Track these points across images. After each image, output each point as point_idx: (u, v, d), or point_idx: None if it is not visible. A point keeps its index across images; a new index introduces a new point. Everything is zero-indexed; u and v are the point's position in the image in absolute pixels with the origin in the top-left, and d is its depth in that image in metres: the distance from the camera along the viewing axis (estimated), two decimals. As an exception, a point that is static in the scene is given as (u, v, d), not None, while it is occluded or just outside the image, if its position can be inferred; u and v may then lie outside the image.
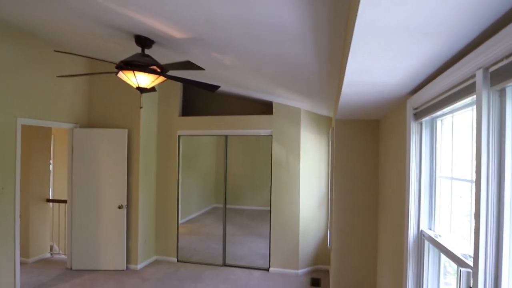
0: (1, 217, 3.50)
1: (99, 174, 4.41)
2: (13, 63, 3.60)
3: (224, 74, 3.50)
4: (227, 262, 4.68)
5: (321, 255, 4.49)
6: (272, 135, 4.50)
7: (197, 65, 2.44)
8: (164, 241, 4.89)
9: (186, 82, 2.90)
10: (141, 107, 4.40)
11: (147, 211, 4.71)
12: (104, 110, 4.63)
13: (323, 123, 4.59)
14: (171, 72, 2.99)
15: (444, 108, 1.34)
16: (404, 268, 1.77)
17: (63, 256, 4.93)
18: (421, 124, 1.74)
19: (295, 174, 4.38)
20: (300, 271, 4.33)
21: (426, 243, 1.64)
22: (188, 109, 5.23)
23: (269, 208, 4.52)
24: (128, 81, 2.57)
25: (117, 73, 2.56)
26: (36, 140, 4.85)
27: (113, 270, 4.40)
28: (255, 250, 5.07)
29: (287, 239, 4.37)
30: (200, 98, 5.46)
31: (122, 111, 4.56)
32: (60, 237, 5.16)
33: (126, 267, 4.46)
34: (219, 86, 3.06)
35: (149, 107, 4.70)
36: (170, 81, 4.86)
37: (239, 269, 4.53)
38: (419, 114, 1.69)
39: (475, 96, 1.02)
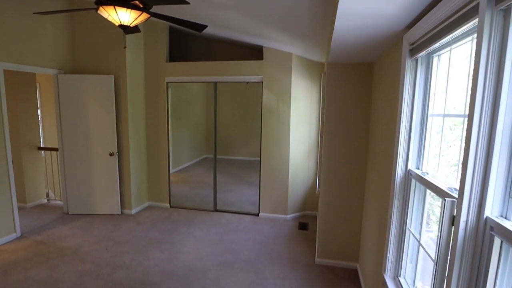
0: (-10, 163, 3.49)
1: (89, 121, 4.32)
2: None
3: (213, 14, 3.28)
4: (218, 208, 4.85)
5: (309, 201, 4.66)
6: (262, 82, 4.39)
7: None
8: (157, 188, 4.99)
9: (171, 21, 2.71)
10: (124, 47, 4.19)
11: (138, 159, 4.73)
12: (89, 55, 4.40)
13: (315, 69, 4.47)
14: (155, 9, 2.79)
15: (442, 39, 1.27)
16: (390, 207, 1.83)
17: (59, 202, 5.03)
18: (416, 61, 1.69)
19: (285, 122, 4.36)
20: (289, 216, 4.53)
21: (413, 181, 1.68)
22: (176, 55, 5.00)
23: (259, 159, 4.57)
24: (110, 18, 2.38)
25: (97, 9, 2.36)
26: (21, 88, 4.65)
27: (109, 215, 4.53)
28: (245, 197, 5.23)
29: (276, 186, 4.49)
30: (188, 44, 5.20)
31: (108, 56, 4.34)
32: (55, 184, 5.22)
33: (121, 212, 4.59)
34: (206, 26, 2.87)
35: (134, 52, 4.47)
36: (156, 25, 4.59)
37: (230, 214, 4.71)
38: (415, 49, 1.63)
39: (477, 20, 0.96)
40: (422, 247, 1.58)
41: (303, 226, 4.24)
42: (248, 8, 2.86)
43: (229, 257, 3.39)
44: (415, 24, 1.59)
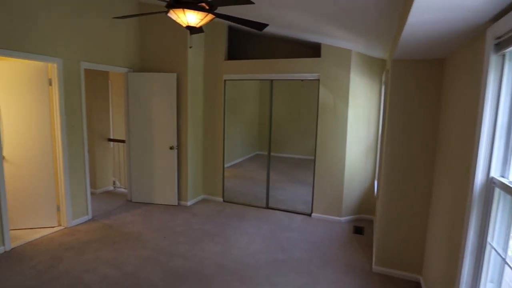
0: (74, 151, 3.95)
1: (152, 116, 4.64)
2: (76, 9, 3.76)
3: (274, 13, 3.29)
4: (270, 205, 4.87)
5: (366, 204, 4.46)
6: (319, 79, 4.30)
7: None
8: (211, 182, 5.17)
9: (234, 21, 2.77)
10: (190, 47, 4.45)
11: (195, 153, 4.95)
12: (155, 55, 4.72)
13: (375, 66, 4.25)
14: (219, 10, 2.87)
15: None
16: (466, 217, 1.67)
17: (123, 190, 5.48)
18: (503, 56, 1.50)
19: (342, 120, 4.22)
20: (343, 218, 4.38)
21: (497, 190, 1.51)
22: (234, 53, 5.11)
23: (312, 158, 4.48)
24: (178, 20, 2.52)
25: (167, 12, 2.51)
26: (96, 84, 5.17)
27: (166, 205, 4.82)
28: (297, 196, 5.18)
29: (331, 187, 4.38)
30: (245, 42, 5.28)
31: (171, 55, 4.61)
32: (121, 173, 5.70)
33: (178, 203, 4.86)
34: (267, 24, 2.89)
35: (195, 51, 4.68)
36: (216, 25, 4.74)
37: (282, 212, 4.71)
38: (503, 44, 1.45)
39: None
40: (508, 265, 1.41)
41: (358, 230, 4.08)
42: (311, 5, 2.81)
43: (280, 255, 3.39)
44: (502, 16, 1.42)
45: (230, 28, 4.89)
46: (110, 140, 5.50)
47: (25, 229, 3.80)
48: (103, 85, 5.37)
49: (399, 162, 2.91)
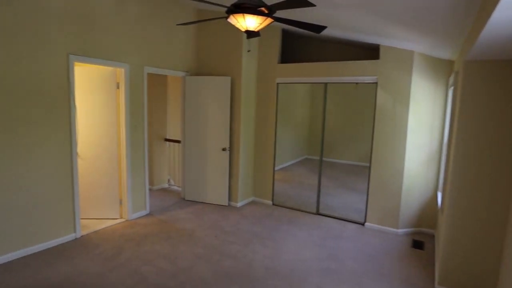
0: (136, 150, 4.24)
1: (207, 118, 4.81)
2: (141, 18, 4.06)
3: (331, 14, 3.20)
4: (321, 211, 4.75)
5: (426, 217, 4.13)
6: (377, 82, 4.09)
7: (306, 1, 2.25)
8: (261, 184, 5.20)
9: (292, 24, 2.75)
10: (248, 51, 4.56)
11: (246, 155, 5.02)
12: (210, 59, 4.89)
13: (441, 67, 3.93)
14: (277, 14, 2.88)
15: None
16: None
17: (177, 188, 5.75)
18: None
19: (401, 126, 3.97)
20: (400, 230, 4.11)
21: None
22: (286, 56, 5.10)
23: (365, 164, 4.28)
24: (237, 25, 2.57)
25: (227, 17, 2.57)
26: (155, 87, 5.51)
27: (217, 205, 4.95)
28: (349, 203, 4.98)
29: (387, 196, 4.13)
30: (298, 45, 5.24)
31: (226, 59, 4.75)
32: (175, 172, 5.99)
33: (228, 203, 4.96)
34: (325, 27, 2.82)
35: (249, 54, 4.75)
36: (270, 28, 4.76)
37: (333, 219, 4.56)
38: None
39: None
40: None
41: (417, 245, 3.79)
42: (374, 5, 2.69)
43: (332, 264, 3.28)
44: None
45: (284, 31, 4.89)
46: (166, 140, 5.81)
47: (92, 219, 4.16)
48: (161, 88, 5.70)
49: (470, 173, 2.65)
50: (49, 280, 2.82)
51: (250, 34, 2.72)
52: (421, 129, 4.00)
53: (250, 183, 5.20)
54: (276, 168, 5.23)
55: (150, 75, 4.91)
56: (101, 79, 3.98)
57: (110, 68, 3.92)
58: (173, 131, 6.05)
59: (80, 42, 3.45)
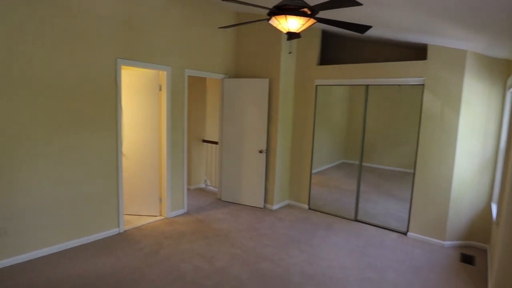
0: (176, 150, 4.37)
1: (244, 120, 4.84)
2: (182, 22, 4.19)
3: (376, 13, 3.08)
4: (359, 218, 4.58)
5: (478, 230, 3.82)
6: (424, 84, 3.86)
7: (352, 0, 2.18)
8: (297, 187, 5.13)
9: (335, 24, 2.68)
10: (290, 52, 4.55)
11: (283, 158, 4.98)
12: (248, 61, 4.93)
13: (497, 68, 3.62)
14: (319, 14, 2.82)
15: None
16: None
17: (213, 188, 5.85)
18: None
19: (451, 131, 3.71)
20: (447, 243, 3.83)
21: None
22: (326, 57, 4.99)
23: (407, 170, 4.06)
24: (279, 27, 2.55)
25: (268, 19, 2.56)
26: (195, 89, 5.66)
27: (252, 207, 4.95)
28: (390, 211, 4.75)
29: (432, 205, 3.88)
30: (338, 46, 5.11)
31: (264, 61, 4.76)
32: (212, 173, 6.10)
33: (263, 205, 4.94)
34: (370, 26, 2.71)
35: (288, 56, 4.71)
36: (309, 29, 4.68)
37: (372, 227, 4.37)
38: None
39: None
40: None
41: (467, 259, 3.51)
42: (426, 1, 2.54)
43: (372, 274, 3.14)
44: None
45: (323, 32, 4.79)
46: (204, 141, 5.94)
47: (133, 215, 4.35)
48: (201, 90, 5.83)
49: (532, 185, 2.40)
50: (97, 271, 2.98)
51: (291, 35, 2.69)
52: (473, 134, 3.71)
53: (286, 186, 5.16)
54: (312, 172, 5.14)
55: (190, 78, 5.05)
56: (145, 81, 4.15)
57: (153, 71, 4.08)
58: (211, 133, 6.17)
59: (126, 47, 3.63)
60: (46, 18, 2.98)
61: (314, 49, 4.75)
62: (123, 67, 3.72)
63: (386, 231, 4.24)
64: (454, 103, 3.68)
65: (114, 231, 3.79)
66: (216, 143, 5.51)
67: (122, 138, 3.79)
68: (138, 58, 3.76)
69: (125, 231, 3.89)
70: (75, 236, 3.45)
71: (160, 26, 3.93)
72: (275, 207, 4.94)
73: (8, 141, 2.89)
